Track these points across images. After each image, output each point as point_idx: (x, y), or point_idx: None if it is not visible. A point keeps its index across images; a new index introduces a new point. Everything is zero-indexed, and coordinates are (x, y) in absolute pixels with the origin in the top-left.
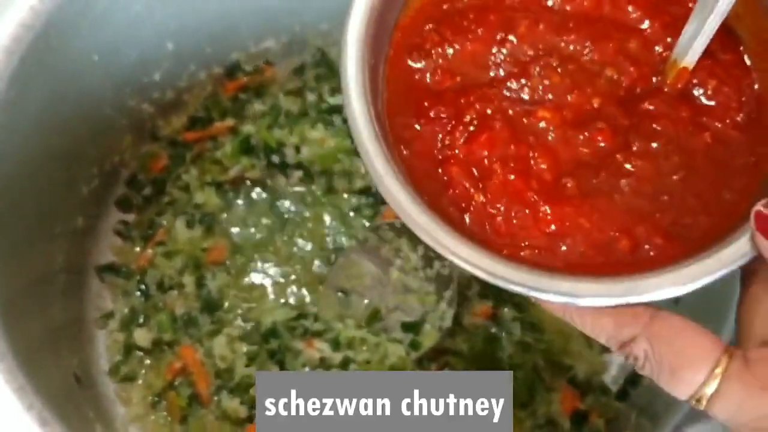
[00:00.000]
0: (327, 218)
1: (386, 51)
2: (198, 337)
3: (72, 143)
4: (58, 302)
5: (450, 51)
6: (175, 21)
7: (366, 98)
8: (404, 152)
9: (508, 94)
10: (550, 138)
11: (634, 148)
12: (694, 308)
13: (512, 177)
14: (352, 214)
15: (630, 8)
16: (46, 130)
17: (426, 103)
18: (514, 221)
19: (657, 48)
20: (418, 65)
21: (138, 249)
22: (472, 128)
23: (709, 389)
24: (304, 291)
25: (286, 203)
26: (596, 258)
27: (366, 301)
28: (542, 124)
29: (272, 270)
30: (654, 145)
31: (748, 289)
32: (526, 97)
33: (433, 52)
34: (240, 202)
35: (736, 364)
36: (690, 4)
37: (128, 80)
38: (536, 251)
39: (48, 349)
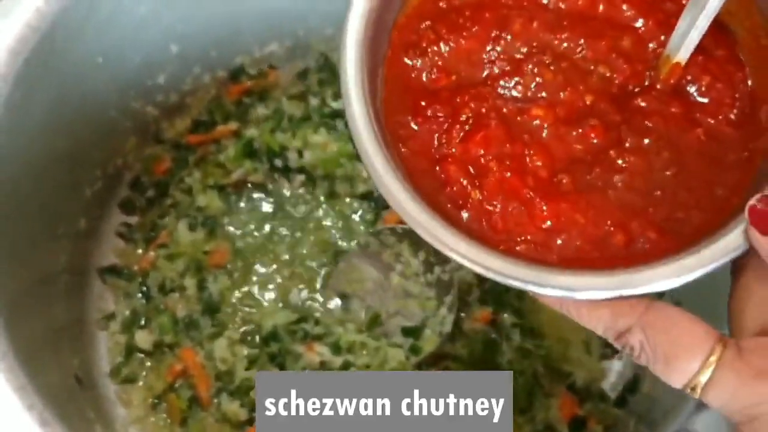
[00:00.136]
0: (328, 222)
1: (385, 51)
2: (199, 340)
3: (76, 145)
4: (60, 303)
5: (445, 49)
6: (179, 24)
7: (365, 99)
8: (402, 150)
9: (502, 92)
10: (544, 135)
11: (627, 145)
12: (694, 307)
13: (508, 174)
14: (353, 218)
15: (624, 6)
16: (50, 132)
17: (423, 102)
18: (511, 218)
19: (651, 45)
20: (414, 63)
21: (140, 251)
22: (467, 127)
23: (704, 377)
24: (305, 295)
25: (288, 207)
26: (592, 252)
27: (366, 305)
28: (536, 122)
29: (273, 273)
30: (645, 141)
31: (739, 280)
32: (519, 95)
33: (429, 50)
34: (242, 205)
35: (730, 352)
36: (684, 1)
37: (132, 83)
38: (533, 246)
39: (49, 350)
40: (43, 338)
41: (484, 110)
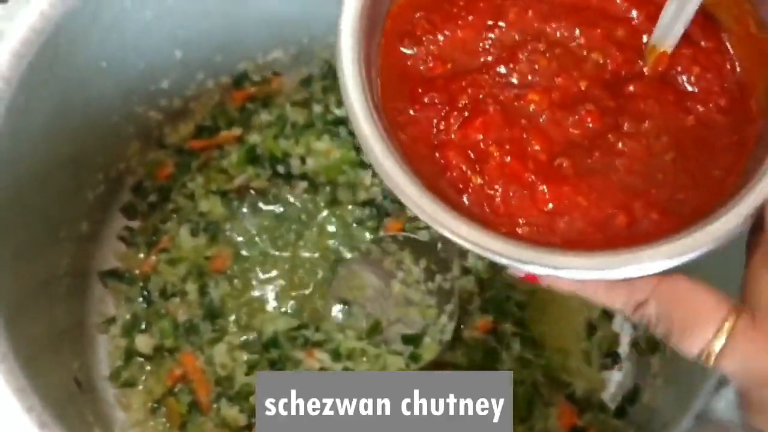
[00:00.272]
0: (330, 229)
1: (378, 40)
2: (199, 345)
3: (79, 149)
4: (61, 306)
5: (441, 38)
6: (183, 30)
7: (363, 87)
8: (402, 137)
9: (498, 78)
10: (541, 120)
11: (624, 129)
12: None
13: (509, 159)
14: (355, 225)
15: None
16: (53, 136)
17: (419, 90)
18: (513, 201)
19: (644, 37)
20: (410, 52)
21: (142, 255)
22: (466, 113)
23: (717, 345)
24: (306, 301)
25: (290, 213)
26: (594, 234)
27: (367, 312)
28: (532, 107)
29: (275, 279)
30: (643, 125)
31: (753, 257)
32: (515, 81)
33: (423, 39)
34: (244, 211)
35: (744, 321)
36: None
37: (136, 88)
38: (535, 229)
39: (50, 352)
40: (43, 341)
41: (481, 96)
